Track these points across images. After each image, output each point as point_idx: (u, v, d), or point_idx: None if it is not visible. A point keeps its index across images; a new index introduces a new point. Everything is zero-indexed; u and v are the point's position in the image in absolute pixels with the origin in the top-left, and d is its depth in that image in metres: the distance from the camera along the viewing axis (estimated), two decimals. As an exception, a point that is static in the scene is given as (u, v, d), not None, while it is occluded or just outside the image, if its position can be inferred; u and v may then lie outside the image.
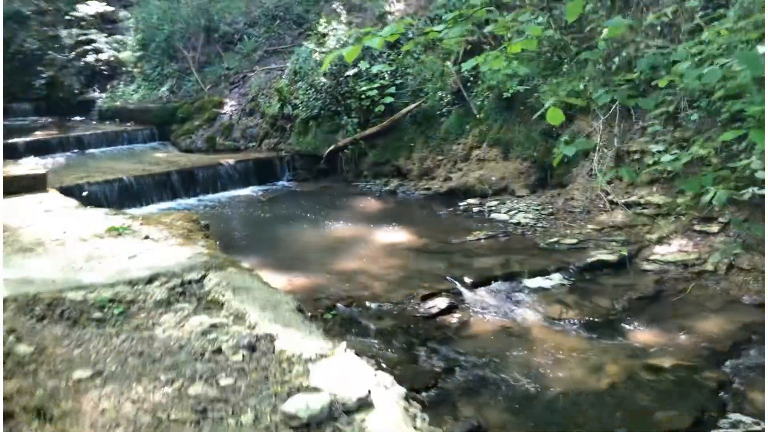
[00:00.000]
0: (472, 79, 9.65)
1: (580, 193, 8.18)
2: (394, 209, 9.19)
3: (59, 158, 10.70)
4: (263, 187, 10.73)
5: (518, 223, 7.88)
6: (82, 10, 15.59)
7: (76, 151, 11.19)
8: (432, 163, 9.93)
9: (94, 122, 13.33)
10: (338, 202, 9.71)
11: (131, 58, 14.47)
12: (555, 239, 7.16)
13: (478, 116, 9.53)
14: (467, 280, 6.09)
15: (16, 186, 6.19)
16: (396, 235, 7.77)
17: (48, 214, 5.43)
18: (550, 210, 8.10)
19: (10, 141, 10.71)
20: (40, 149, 10.86)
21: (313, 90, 10.99)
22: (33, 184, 6.39)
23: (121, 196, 9.10)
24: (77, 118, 13.94)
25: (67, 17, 15.80)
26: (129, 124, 12.71)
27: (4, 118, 13.76)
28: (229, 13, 14.48)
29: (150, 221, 5.26)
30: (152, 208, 9.28)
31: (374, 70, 10.26)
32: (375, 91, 10.18)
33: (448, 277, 6.17)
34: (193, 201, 9.78)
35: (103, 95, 14.55)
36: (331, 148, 10.72)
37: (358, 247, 7.30)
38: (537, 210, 8.16)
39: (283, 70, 12.79)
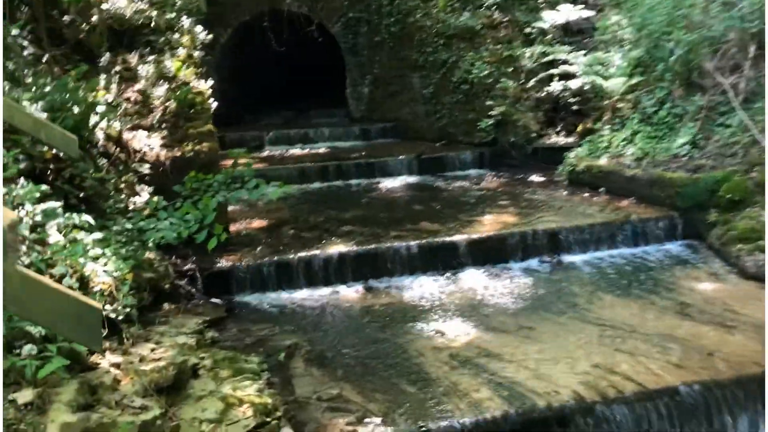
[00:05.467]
0: None
1: None
2: None
3: (523, 279, 6.13)
4: None
5: None
6: (548, 18, 11.12)
7: (547, 261, 6.49)
8: None
9: (562, 191, 8.59)
10: None
11: (620, 87, 9.38)
12: None
13: None
14: None
15: None
16: None
17: None
18: None
19: (449, 239, 6.57)
20: (490, 254, 6.50)
21: None
22: None
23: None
24: (535, 178, 9.44)
25: (526, 30, 11.59)
26: (626, 201, 7.58)
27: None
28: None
29: None
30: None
31: None
32: None
33: None
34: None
35: (572, 142, 9.82)
36: None
37: None
38: None
39: None
